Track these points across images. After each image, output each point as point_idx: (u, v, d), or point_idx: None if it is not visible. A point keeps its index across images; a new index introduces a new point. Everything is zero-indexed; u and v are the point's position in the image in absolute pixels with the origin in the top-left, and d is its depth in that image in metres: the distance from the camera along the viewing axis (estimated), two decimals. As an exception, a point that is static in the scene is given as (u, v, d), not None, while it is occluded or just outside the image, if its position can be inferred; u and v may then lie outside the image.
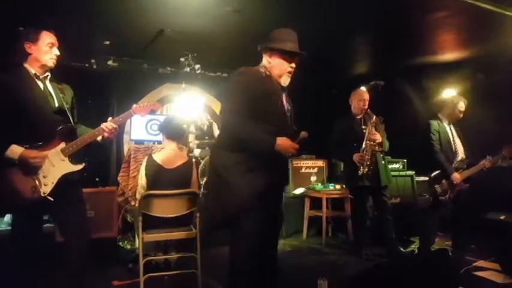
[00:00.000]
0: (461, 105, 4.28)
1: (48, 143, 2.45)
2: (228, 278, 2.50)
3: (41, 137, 2.43)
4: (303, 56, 2.57)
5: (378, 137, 4.20)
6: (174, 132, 3.72)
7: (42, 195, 2.37)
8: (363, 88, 4.56)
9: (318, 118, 6.02)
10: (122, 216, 4.53)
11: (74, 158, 2.52)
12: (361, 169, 4.14)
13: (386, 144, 4.37)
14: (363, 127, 4.31)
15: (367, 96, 4.42)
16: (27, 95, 2.42)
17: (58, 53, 2.58)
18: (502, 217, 4.36)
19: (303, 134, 2.51)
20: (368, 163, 4.13)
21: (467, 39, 5.11)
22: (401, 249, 4.36)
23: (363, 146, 4.18)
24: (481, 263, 4.04)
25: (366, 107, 4.37)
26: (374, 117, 4.24)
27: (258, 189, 2.36)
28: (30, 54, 2.49)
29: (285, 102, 2.63)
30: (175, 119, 4.01)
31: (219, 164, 2.48)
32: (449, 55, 5.69)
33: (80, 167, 2.54)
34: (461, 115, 4.30)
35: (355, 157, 4.19)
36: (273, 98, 2.51)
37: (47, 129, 2.45)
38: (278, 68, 2.53)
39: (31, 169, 2.36)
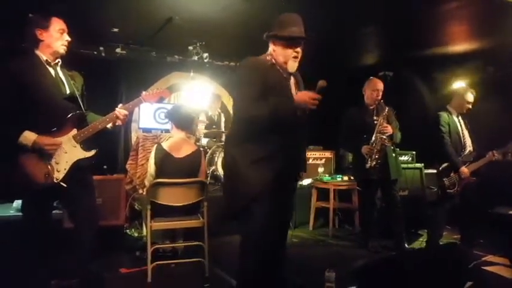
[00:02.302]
0: (470, 97, 4.23)
1: (60, 129, 2.46)
2: (239, 267, 2.50)
3: (53, 123, 2.44)
4: (308, 40, 2.51)
5: (389, 130, 4.08)
6: (183, 122, 3.71)
7: (55, 181, 2.39)
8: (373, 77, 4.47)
9: (326, 109, 5.97)
10: (129, 204, 4.54)
11: (85, 145, 2.53)
12: (369, 162, 4.07)
13: (398, 135, 4.27)
14: (375, 118, 4.20)
15: (381, 86, 4.28)
16: (39, 81, 2.42)
17: (69, 38, 2.58)
18: (510, 211, 4.34)
19: (321, 83, 2.40)
20: (376, 156, 4.05)
21: (478, 31, 5.05)
22: (406, 245, 4.29)
23: (373, 138, 4.09)
24: (490, 257, 4.01)
25: (380, 97, 4.24)
26: (386, 109, 4.14)
27: (266, 180, 2.34)
28: (41, 40, 2.49)
29: (293, 89, 2.59)
30: (183, 107, 3.99)
31: (229, 158, 2.47)
32: (459, 47, 5.62)
33: (91, 153, 2.55)
34: (470, 106, 4.24)
35: (364, 149, 4.11)
36: (279, 87, 2.47)
37: (59, 115, 2.46)
38: (282, 55, 2.49)
39: (44, 155, 2.37)
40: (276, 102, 2.32)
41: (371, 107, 4.31)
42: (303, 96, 2.36)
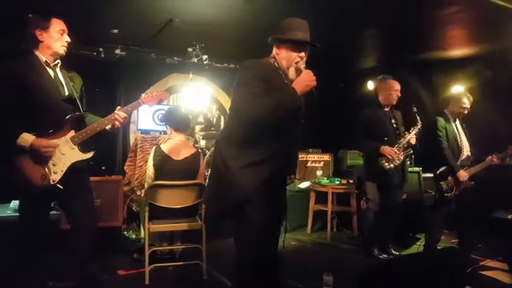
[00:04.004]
0: (466, 102, 4.24)
1: (58, 131, 2.44)
2: (235, 270, 2.48)
3: (51, 124, 2.42)
4: (313, 46, 2.45)
5: (414, 140, 4.07)
6: (181, 124, 3.70)
7: (52, 183, 2.37)
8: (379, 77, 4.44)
9: (324, 112, 5.98)
10: (127, 205, 4.53)
11: (83, 147, 2.52)
12: (387, 164, 3.97)
13: None
14: (393, 121, 4.18)
15: (399, 87, 4.21)
16: (37, 82, 2.41)
17: (69, 39, 2.57)
18: (510, 216, 4.34)
19: None
20: (398, 162, 3.99)
21: (477, 35, 5.07)
22: (393, 251, 4.26)
23: (400, 144, 4.03)
24: (488, 262, 4.01)
25: (397, 98, 4.20)
26: (419, 124, 4.08)
27: (260, 180, 2.32)
28: (41, 41, 2.48)
29: None
30: (179, 109, 3.99)
31: (220, 158, 2.43)
32: (458, 51, 5.64)
33: (89, 155, 2.54)
34: (467, 111, 4.26)
35: (387, 150, 3.98)
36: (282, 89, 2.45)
37: (57, 117, 2.44)
38: (285, 59, 2.43)
39: (41, 157, 2.36)
40: (280, 95, 2.27)
41: (386, 109, 4.24)
42: (302, 80, 2.29)
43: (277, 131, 2.34)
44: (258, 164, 2.32)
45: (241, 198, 2.31)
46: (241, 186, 2.31)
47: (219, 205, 2.46)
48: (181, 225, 3.41)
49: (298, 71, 2.38)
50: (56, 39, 2.50)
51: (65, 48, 2.55)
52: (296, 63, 2.42)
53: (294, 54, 2.41)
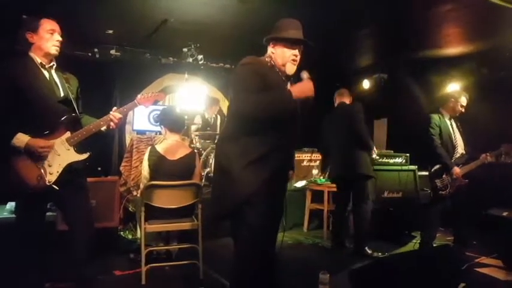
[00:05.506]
0: (463, 100, 4.26)
1: (53, 132, 2.44)
2: (234, 269, 2.49)
3: (46, 126, 2.42)
4: (306, 43, 2.53)
5: None
6: (176, 124, 3.69)
7: (48, 183, 2.37)
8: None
9: (320, 110, 5.99)
10: (123, 206, 4.53)
11: (78, 147, 2.52)
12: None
13: None
14: None
15: None
16: (33, 84, 2.40)
17: (60, 38, 2.54)
18: (504, 213, 4.36)
19: (305, 74, 2.46)
20: None
21: (472, 34, 5.09)
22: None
23: None
24: (483, 259, 4.05)
25: None
26: None
27: (261, 181, 2.33)
28: (32, 43, 2.47)
29: None
30: (173, 110, 3.98)
31: (223, 156, 2.46)
32: (453, 49, 5.67)
33: (84, 156, 2.53)
34: (463, 110, 4.28)
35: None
36: (277, 89, 2.47)
37: (52, 118, 2.44)
38: (281, 57, 2.49)
39: (37, 158, 2.36)
40: (274, 95, 2.33)
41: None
42: (301, 88, 2.36)
43: (276, 128, 2.36)
44: (259, 162, 2.34)
45: (242, 199, 2.33)
46: (242, 186, 2.32)
47: (221, 205, 2.47)
48: (177, 225, 3.41)
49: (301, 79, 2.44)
50: (46, 39, 2.48)
51: (56, 48, 2.52)
52: (292, 60, 2.48)
53: (289, 52, 2.48)
